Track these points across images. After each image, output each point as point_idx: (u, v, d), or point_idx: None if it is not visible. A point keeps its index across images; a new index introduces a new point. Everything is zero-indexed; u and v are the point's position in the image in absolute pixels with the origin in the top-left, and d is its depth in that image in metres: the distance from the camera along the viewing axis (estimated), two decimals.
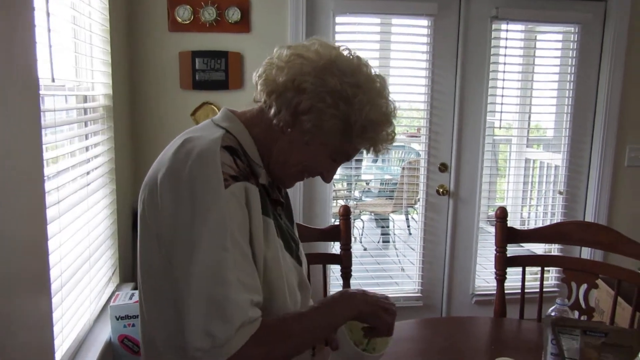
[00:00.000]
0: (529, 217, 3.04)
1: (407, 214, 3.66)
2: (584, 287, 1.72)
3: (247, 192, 0.95)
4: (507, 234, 1.78)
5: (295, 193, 2.51)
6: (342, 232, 1.76)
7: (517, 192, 2.96)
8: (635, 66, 2.70)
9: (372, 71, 1.04)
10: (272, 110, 1.01)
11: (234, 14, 2.40)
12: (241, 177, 0.95)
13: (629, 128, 2.75)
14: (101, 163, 1.90)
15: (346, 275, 1.79)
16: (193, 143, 0.96)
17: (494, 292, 1.80)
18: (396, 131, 1.09)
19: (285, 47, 1.04)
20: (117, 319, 1.73)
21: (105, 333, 1.72)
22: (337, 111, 0.98)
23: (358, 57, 1.04)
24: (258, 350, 0.89)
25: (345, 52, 1.04)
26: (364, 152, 1.09)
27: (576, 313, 1.70)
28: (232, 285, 0.88)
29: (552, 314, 1.30)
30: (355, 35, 2.65)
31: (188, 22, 2.38)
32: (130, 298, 1.78)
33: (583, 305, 1.71)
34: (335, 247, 1.84)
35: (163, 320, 1.00)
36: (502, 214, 1.78)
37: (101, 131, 1.94)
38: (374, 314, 1.04)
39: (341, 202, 2.93)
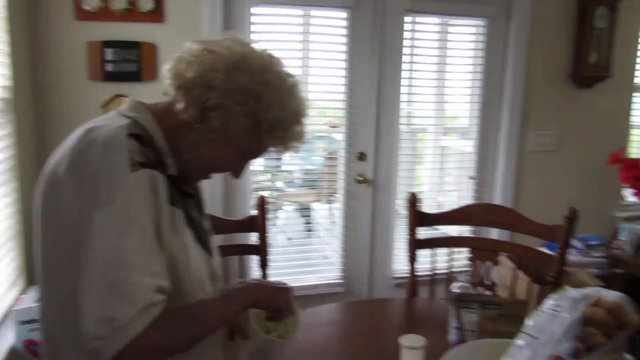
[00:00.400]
0: (444, 202, 3.19)
1: (329, 202, 3.72)
2: (488, 264, 1.84)
3: (154, 179, 0.93)
4: (418, 219, 1.86)
5: (215, 185, 2.48)
6: (259, 223, 1.77)
7: (433, 178, 3.09)
8: (537, 58, 2.90)
9: (284, 69, 1.05)
10: (180, 105, 0.99)
11: (146, 3, 2.32)
12: (149, 164, 0.93)
13: (531, 116, 2.95)
14: (1, 160, 1.79)
15: (264, 265, 1.81)
16: (97, 132, 0.94)
17: None
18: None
19: (197, 41, 1.02)
20: (22, 324, 1.64)
21: (9, 338, 1.63)
22: (246, 109, 0.98)
23: (270, 55, 1.04)
24: (159, 334, 0.88)
25: (258, 49, 1.03)
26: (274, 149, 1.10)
27: (480, 289, 1.83)
28: (135, 268, 0.86)
29: (455, 290, 1.39)
30: (273, 27, 2.62)
31: (97, 10, 2.27)
32: (37, 301, 1.69)
33: (487, 282, 1.83)
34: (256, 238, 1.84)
35: (63, 319, 0.96)
36: (412, 199, 1.86)
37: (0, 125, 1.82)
38: (270, 296, 1.07)
39: (264, 194, 2.92)
